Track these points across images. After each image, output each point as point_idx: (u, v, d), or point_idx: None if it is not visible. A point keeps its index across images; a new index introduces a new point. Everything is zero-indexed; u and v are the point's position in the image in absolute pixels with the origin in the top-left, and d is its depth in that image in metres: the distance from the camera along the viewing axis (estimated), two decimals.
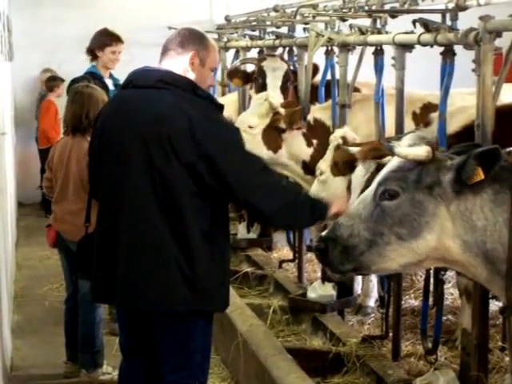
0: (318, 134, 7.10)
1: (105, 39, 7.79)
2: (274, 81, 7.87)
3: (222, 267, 4.46)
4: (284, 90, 7.85)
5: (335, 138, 6.12)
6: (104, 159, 4.47)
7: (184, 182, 4.25)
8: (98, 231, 4.55)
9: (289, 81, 7.89)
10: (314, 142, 7.11)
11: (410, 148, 3.94)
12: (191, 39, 4.44)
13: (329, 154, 6.14)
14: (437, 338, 5.17)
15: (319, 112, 7.22)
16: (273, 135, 7.09)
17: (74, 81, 7.39)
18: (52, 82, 12.49)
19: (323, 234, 4.07)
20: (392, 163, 4.00)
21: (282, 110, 7.07)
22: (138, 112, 4.33)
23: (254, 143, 6.86)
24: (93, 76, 7.46)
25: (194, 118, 4.21)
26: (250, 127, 7.05)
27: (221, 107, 4.46)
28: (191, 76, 4.41)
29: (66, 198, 6.31)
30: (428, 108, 6.78)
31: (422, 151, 3.87)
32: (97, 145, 4.53)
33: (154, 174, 4.26)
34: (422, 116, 6.31)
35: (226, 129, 4.40)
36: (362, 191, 4.58)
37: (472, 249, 3.85)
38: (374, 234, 3.89)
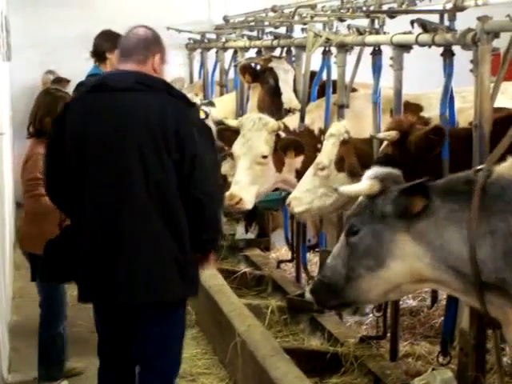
0: (305, 138, 6.93)
1: (116, 41, 7.77)
2: (287, 84, 7.76)
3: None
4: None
5: (339, 133, 6.00)
6: (91, 163, 4.44)
7: (174, 180, 4.37)
8: (91, 235, 4.51)
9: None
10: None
11: (352, 186, 4.08)
12: (152, 40, 4.59)
13: (332, 149, 6.01)
14: (446, 337, 5.21)
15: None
16: (279, 156, 6.88)
17: (81, 84, 7.35)
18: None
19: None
20: (359, 198, 4.06)
21: (281, 131, 6.88)
22: (127, 115, 4.37)
23: (268, 171, 6.81)
24: None
25: (177, 118, 4.34)
26: (265, 157, 6.82)
27: (193, 105, 4.62)
28: (158, 76, 4.53)
29: (24, 204, 6.17)
30: (405, 107, 6.74)
31: (363, 187, 3.92)
32: (74, 151, 4.47)
33: (148, 176, 4.34)
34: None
35: (201, 132, 4.47)
36: None
37: (440, 266, 3.84)
38: (348, 270, 3.96)
